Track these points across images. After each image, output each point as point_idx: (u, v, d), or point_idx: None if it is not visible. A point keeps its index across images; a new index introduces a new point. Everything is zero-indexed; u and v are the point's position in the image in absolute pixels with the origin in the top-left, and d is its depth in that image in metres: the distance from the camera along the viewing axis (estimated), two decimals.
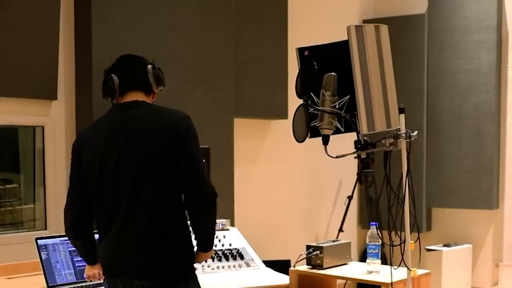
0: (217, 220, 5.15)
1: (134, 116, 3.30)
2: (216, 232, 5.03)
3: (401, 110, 3.68)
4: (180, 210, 3.25)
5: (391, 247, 3.73)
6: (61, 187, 5.54)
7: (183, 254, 3.26)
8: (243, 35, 6.48)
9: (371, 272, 4.38)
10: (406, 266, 3.75)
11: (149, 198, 3.20)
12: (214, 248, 4.82)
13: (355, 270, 4.56)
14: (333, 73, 3.50)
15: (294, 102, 3.91)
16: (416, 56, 7.96)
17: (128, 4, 5.66)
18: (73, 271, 4.13)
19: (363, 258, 7.74)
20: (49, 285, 3.98)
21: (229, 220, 5.35)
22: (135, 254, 3.24)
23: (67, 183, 5.52)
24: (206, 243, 3.38)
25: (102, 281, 3.79)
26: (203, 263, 4.61)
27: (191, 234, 3.32)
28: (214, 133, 5.95)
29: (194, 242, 3.36)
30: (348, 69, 3.43)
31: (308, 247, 4.60)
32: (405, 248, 3.71)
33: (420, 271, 4.32)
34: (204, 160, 3.30)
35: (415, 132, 3.72)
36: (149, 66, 3.46)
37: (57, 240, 4.19)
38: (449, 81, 7.76)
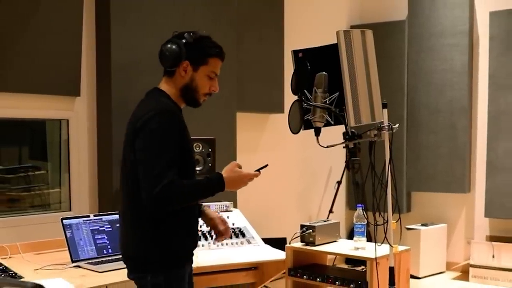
0: (221, 203, 5.18)
1: (139, 105, 3.10)
2: (221, 213, 5.04)
3: (384, 105, 3.68)
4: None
5: (375, 226, 3.73)
6: (83, 173, 5.54)
7: (151, 248, 2.93)
8: (244, 39, 6.47)
9: (357, 248, 4.38)
10: (389, 243, 3.74)
11: (126, 193, 3.02)
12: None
13: (343, 246, 4.56)
14: (324, 73, 3.49)
15: (289, 98, 3.89)
16: (398, 57, 7.95)
17: (143, 10, 5.65)
18: (94, 247, 4.13)
19: (350, 236, 7.75)
20: (73, 259, 3.98)
21: (232, 202, 5.36)
22: (120, 246, 3.13)
23: (89, 170, 5.57)
24: (199, 200, 3.05)
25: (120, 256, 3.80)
26: (210, 241, 4.61)
27: (168, 227, 2.95)
28: (219, 125, 5.94)
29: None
30: (337, 69, 3.42)
31: (302, 226, 4.60)
32: (388, 227, 3.71)
33: (401, 248, 4.33)
34: (160, 157, 2.83)
35: (397, 125, 3.71)
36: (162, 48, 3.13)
37: (80, 220, 4.19)
38: (427, 79, 7.75)
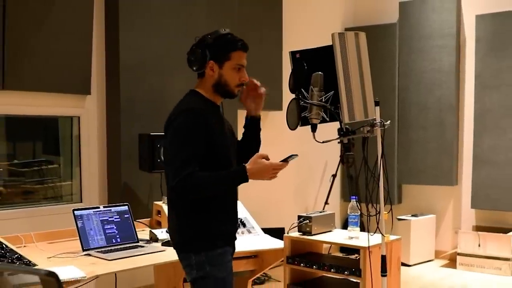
0: None
1: None
2: None
3: (376, 103, 3.67)
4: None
5: (368, 217, 3.72)
6: (94, 167, 5.55)
7: (189, 232, 3.02)
8: (245, 40, 6.45)
9: (351, 237, 4.38)
10: (381, 233, 3.74)
11: (168, 186, 3.04)
12: None
13: (338, 236, 4.56)
14: (320, 72, 3.48)
15: (287, 96, 3.88)
16: (389, 58, 7.93)
17: (149, 14, 5.66)
18: (104, 236, 4.12)
19: (345, 226, 7.74)
20: (84, 248, 3.97)
21: None
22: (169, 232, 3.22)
23: (99, 164, 5.57)
24: (222, 190, 3.07)
25: (136, 244, 3.81)
26: None
27: (206, 212, 3.01)
28: None
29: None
30: (333, 69, 3.41)
31: (299, 217, 4.60)
32: (380, 218, 3.71)
33: (392, 237, 4.32)
34: (181, 152, 2.89)
35: (388, 122, 3.70)
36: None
37: (91, 211, 4.18)
38: (417, 79, 7.74)
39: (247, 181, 3.01)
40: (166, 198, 4.70)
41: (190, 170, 2.86)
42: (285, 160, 3.07)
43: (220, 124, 3.14)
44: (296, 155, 3.09)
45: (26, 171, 5.38)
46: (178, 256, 3.12)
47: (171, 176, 2.91)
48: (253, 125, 3.41)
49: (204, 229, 3.03)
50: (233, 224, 3.22)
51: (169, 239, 4.17)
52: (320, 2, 8.05)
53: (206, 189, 2.97)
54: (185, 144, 2.91)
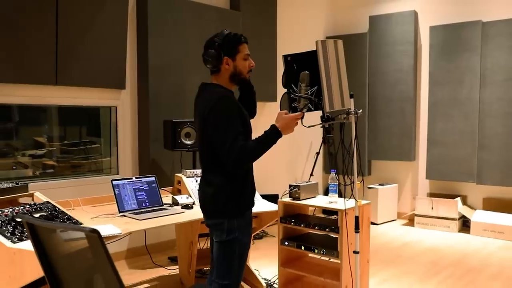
0: None
1: (200, 96, 3.01)
2: None
3: (351, 96, 3.65)
4: (219, 166, 2.87)
5: (345, 186, 3.71)
6: (127, 146, 5.53)
7: (226, 202, 2.90)
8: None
9: (331, 202, 4.37)
10: (355, 198, 3.73)
11: (204, 165, 2.97)
12: None
13: (321, 201, 4.55)
14: (306, 71, 3.45)
15: (280, 90, 3.87)
16: (361, 60, 7.89)
17: (172, 25, 5.62)
18: (136, 201, 4.12)
19: (326, 193, 7.75)
20: (120, 211, 3.97)
21: None
22: (201, 201, 3.04)
23: (132, 144, 5.56)
24: (266, 150, 2.89)
25: (161, 207, 3.75)
26: None
27: (240, 183, 2.93)
28: None
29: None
30: (317, 69, 3.39)
31: (290, 185, 4.59)
32: (354, 187, 3.69)
33: (363, 202, 4.31)
34: (229, 132, 2.77)
35: (360, 111, 3.68)
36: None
37: (126, 181, 4.17)
38: (383, 77, 7.71)
39: (281, 136, 2.92)
40: (185, 171, 4.70)
41: (241, 144, 2.77)
42: (301, 110, 3.05)
43: (241, 106, 3.01)
44: (307, 104, 3.06)
45: (74, 149, 5.38)
46: (209, 221, 2.99)
47: (225, 156, 2.77)
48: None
49: (238, 199, 2.93)
50: (254, 191, 3.11)
51: (188, 204, 4.18)
52: (306, 15, 8.00)
53: (258, 154, 2.84)
54: (229, 125, 2.79)
